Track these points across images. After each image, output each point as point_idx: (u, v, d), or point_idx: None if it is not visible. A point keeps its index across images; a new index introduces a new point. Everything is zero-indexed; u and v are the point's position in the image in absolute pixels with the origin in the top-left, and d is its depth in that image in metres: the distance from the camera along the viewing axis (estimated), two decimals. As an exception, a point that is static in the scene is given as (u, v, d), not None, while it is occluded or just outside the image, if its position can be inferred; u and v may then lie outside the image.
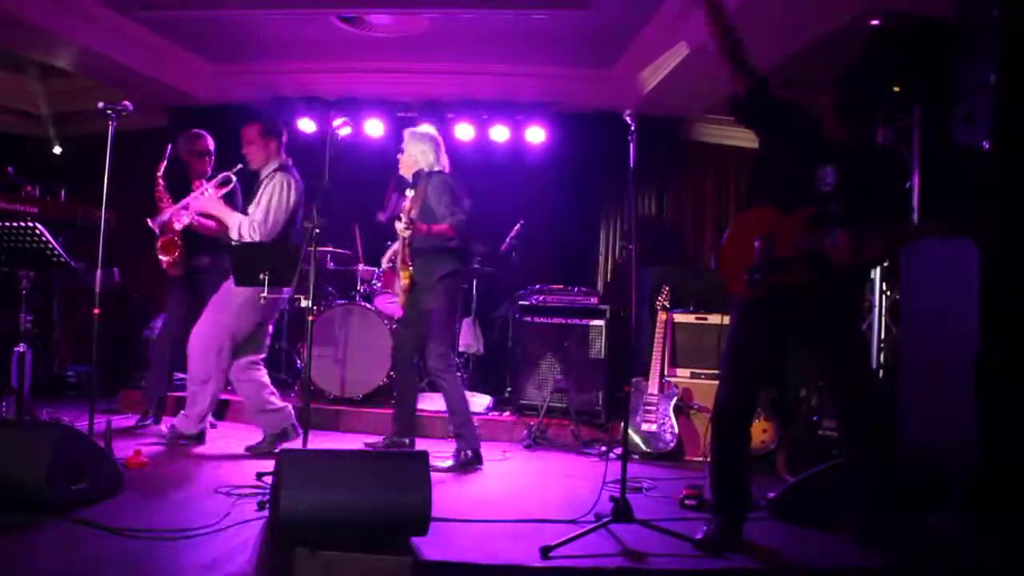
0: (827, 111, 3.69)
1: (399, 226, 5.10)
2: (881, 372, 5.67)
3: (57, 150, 5.71)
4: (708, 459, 3.92)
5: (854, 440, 3.76)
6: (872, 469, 3.64)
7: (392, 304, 5.79)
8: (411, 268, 5.20)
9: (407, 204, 5.29)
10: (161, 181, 5.39)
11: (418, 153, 5.33)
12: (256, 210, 5.18)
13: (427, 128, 5.55)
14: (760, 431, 5.49)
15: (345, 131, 5.20)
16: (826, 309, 3.61)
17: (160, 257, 5.33)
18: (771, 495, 4.22)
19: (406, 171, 5.42)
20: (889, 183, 3.75)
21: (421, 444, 5.45)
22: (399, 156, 5.43)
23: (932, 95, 5.41)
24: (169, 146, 5.48)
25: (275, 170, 5.27)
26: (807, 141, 3.69)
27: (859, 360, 3.78)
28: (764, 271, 3.56)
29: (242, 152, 5.42)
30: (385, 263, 5.65)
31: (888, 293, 5.75)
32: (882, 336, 5.74)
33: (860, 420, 3.64)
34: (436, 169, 5.32)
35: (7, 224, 4.60)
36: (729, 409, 3.76)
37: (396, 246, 5.57)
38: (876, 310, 5.74)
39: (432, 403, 6.40)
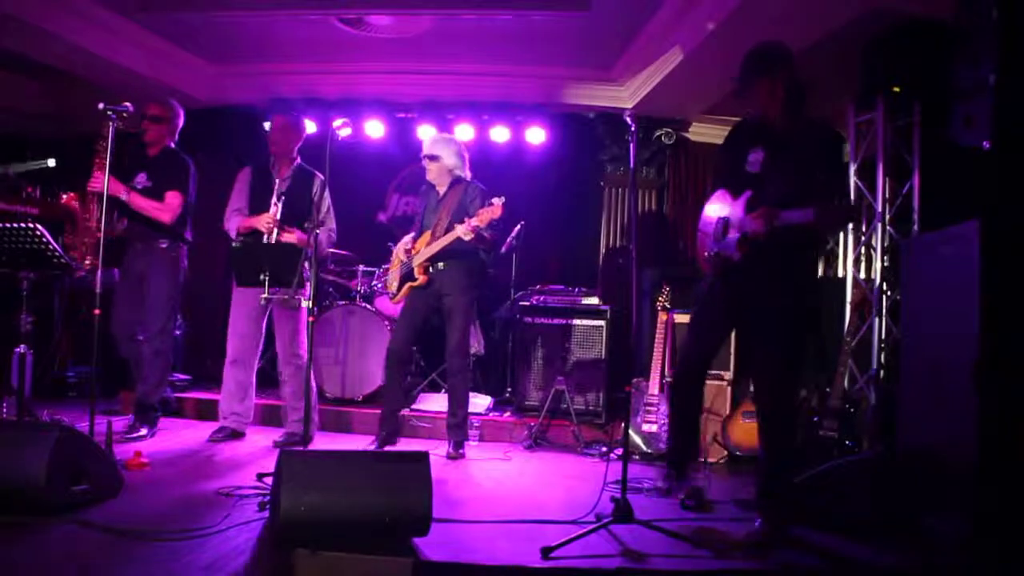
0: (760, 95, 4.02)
1: (463, 229, 5.05)
2: (881, 373, 5.67)
3: (51, 162, 5.72)
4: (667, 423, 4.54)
5: (760, 423, 4.06)
6: (770, 449, 4.00)
7: (395, 305, 5.78)
8: (431, 269, 5.35)
9: (444, 210, 5.43)
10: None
11: (453, 159, 5.51)
12: (329, 219, 5.57)
13: (451, 135, 5.79)
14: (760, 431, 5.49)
15: (345, 132, 5.18)
16: (758, 289, 3.91)
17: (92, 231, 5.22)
18: (771, 495, 4.22)
19: (438, 178, 5.54)
20: (812, 163, 3.89)
21: (422, 444, 5.46)
22: (426, 162, 5.53)
23: (931, 96, 5.42)
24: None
25: (312, 173, 5.54)
26: (743, 128, 4.17)
27: (778, 350, 3.94)
28: (716, 250, 4.02)
29: (271, 138, 5.67)
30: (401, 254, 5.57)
31: (888, 293, 5.75)
32: (882, 336, 5.74)
33: (764, 405, 4.03)
34: (467, 177, 5.56)
35: (8, 225, 4.60)
36: (686, 371, 4.25)
37: (407, 240, 5.63)
38: (876, 311, 5.74)
39: (433, 403, 6.42)
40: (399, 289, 5.54)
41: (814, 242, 4.19)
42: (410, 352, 5.53)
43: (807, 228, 3.75)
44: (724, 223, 4.02)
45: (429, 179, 5.61)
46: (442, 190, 5.57)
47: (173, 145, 5.57)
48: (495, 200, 4.99)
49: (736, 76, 4.06)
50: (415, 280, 5.41)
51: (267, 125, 8.12)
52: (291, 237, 5.27)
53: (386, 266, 6.18)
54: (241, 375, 5.65)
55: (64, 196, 5.22)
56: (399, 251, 5.64)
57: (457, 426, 5.48)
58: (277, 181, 5.61)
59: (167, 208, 5.32)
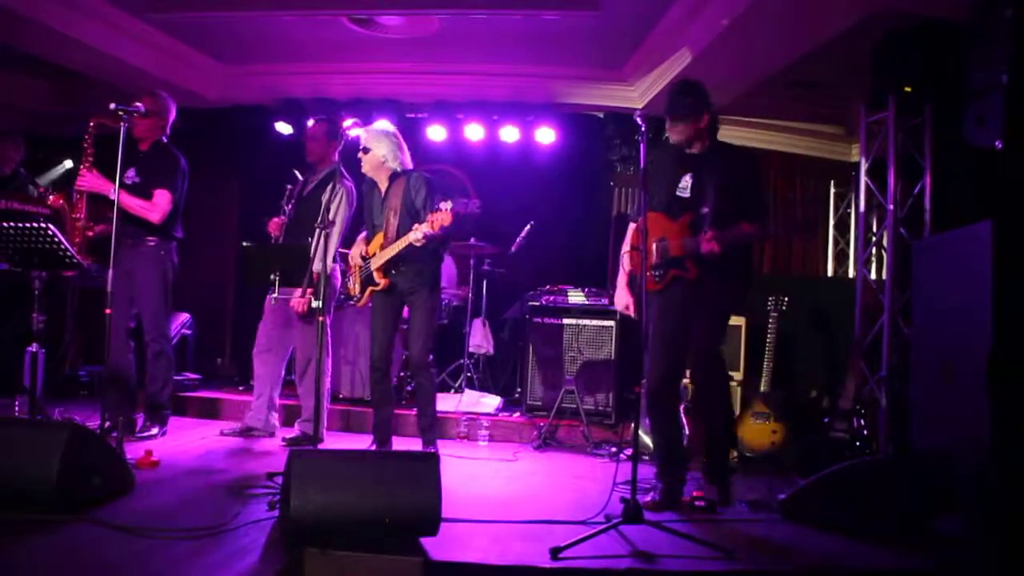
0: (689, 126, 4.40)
1: (415, 236, 4.88)
2: (892, 373, 5.64)
3: (68, 163, 5.73)
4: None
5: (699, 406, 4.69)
6: (712, 432, 4.55)
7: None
8: (391, 272, 5.16)
9: (390, 210, 5.21)
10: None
11: (387, 151, 5.26)
12: (335, 229, 5.50)
13: (385, 124, 5.49)
14: (770, 432, 5.47)
15: (355, 132, 5.21)
16: (709, 295, 4.36)
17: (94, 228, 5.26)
18: (781, 496, 4.21)
19: (374, 172, 5.31)
20: (735, 183, 4.34)
21: (414, 443, 5.44)
22: (360, 155, 5.27)
23: (943, 96, 5.40)
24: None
25: (339, 178, 5.38)
26: (673, 154, 4.53)
27: (712, 340, 4.45)
28: (663, 267, 4.41)
29: (307, 144, 5.74)
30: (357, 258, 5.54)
31: (899, 294, 5.73)
32: (893, 337, 5.71)
33: (703, 393, 4.62)
34: (407, 167, 5.32)
35: (20, 225, 4.61)
36: (658, 387, 4.46)
37: (355, 250, 5.48)
38: (887, 310, 5.71)
39: (442, 403, 6.42)
40: (362, 292, 5.36)
41: (748, 249, 4.56)
42: (391, 358, 5.37)
43: (748, 241, 4.38)
44: (665, 244, 4.42)
45: (365, 172, 5.36)
46: (384, 186, 5.32)
47: (165, 139, 5.50)
48: (442, 205, 4.80)
49: (667, 108, 4.42)
50: (376, 284, 5.21)
51: (278, 124, 8.18)
52: (411, 237, 4.94)
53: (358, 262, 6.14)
54: (259, 368, 5.78)
55: (51, 198, 5.21)
56: (354, 254, 5.47)
57: (429, 427, 5.27)
58: (302, 185, 5.75)
59: (155, 207, 5.25)
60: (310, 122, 5.02)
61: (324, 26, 6.90)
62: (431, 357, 5.34)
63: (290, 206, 5.72)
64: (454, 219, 4.78)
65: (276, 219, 5.72)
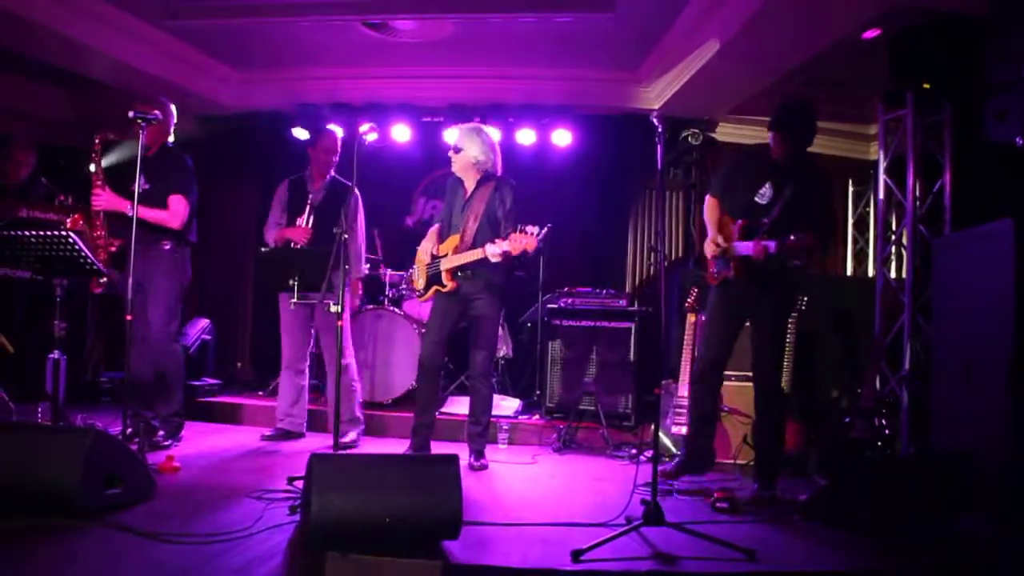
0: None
1: (493, 251, 4.85)
2: (914, 373, 5.61)
3: (92, 168, 5.77)
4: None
5: (758, 409, 4.74)
6: (766, 435, 4.64)
7: (423, 306, 5.77)
8: (459, 275, 5.15)
9: (471, 214, 5.17)
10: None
11: (480, 153, 5.23)
12: (358, 238, 5.81)
13: (480, 126, 5.45)
14: (792, 433, 5.45)
15: (371, 137, 5.23)
16: (759, 300, 4.63)
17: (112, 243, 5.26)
18: (802, 497, 4.19)
19: (463, 172, 5.28)
20: (812, 199, 4.53)
21: (453, 448, 5.44)
22: (451, 154, 5.28)
23: (963, 92, 5.36)
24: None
25: (347, 187, 5.35)
26: (755, 161, 4.74)
27: (771, 348, 4.64)
28: (718, 266, 4.74)
29: (326, 158, 5.83)
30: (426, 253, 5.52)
31: (920, 293, 5.68)
32: (914, 336, 5.67)
33: (761, 396, 4.67)
34: (498, 173, 5.31)
35: (42, 233, 4.65)
36: (705, 370, 4.82)
37: (431, 235, 5.45)
38: (907, 309, 5.67)
39: (463, 406, 6.42)
40: (426, 289, 5.34)
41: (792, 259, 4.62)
42: (442, 361, 5.38)
43: (799, 252, 4.38)
44: (721, 244, 4.69)
45: (454, 171, 5.35)
46: (469, 187, 5.27)
47: (171, 143, 5.49)
48: (529, 228, 4.73)
49: (777, 122, 4.57)
50: (443, 285, 5.17)
51: (295, 130, 8.20)
52: (489, 251, 4.91)
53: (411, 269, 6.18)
54: (295, 379, 5.83)
55: (69, 220, 5.22)
56: (424, 249, 5.42)
57: (480, 434, 5.29)
58: (311, 194, 5.77)
59: (174, 215, 5.25)
60: (338, 131, 5.04)
61: (339, 32, 6.92)
62: (493, 366, 5.35)
63: (311, 217, 5.76)
64: (538, 247, 4.78)
65: (301, 228, 5.73)
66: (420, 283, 5.40)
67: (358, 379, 5.97)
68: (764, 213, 4.53)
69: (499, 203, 5.15)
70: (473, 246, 5.06)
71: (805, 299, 5.60)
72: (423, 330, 6.50)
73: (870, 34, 5.55)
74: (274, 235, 5.84)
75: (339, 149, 5.92)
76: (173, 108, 5.51)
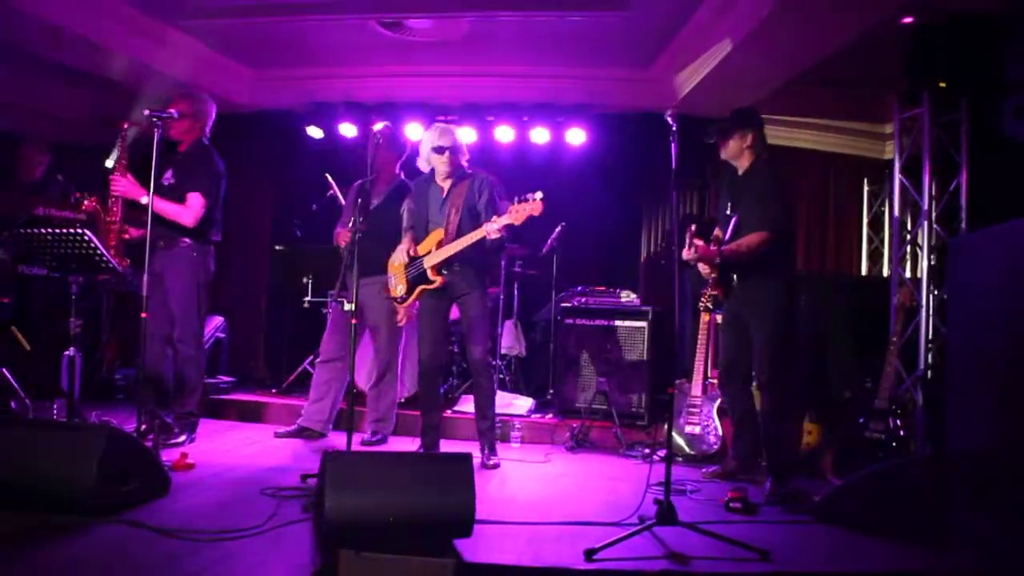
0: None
1: (491, 227, 4.82)
2: (929, 373, 5.58)
3: (109, 163, 5.78)
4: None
5: (760, 409, 4.87)
6: (768, 434, 4.76)
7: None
8: (445, 271, 5.13)
9: (452, 208, 5.16)
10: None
11: (462, 151, 5.27)
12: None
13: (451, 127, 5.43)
14: (805, 433, 5.43)
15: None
16: (749, 303, 4.83)
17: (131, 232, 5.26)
18: (816, 498, 4.18)
19: (448, 170, 5.23)
20: (753, 199, 4.77)
21: (466, 447, 5.45)
22: (434, 156, 5.20)
23: (979, 90, 5.33)
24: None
25: (408, 191, 5.53)
26: (728, 178, 5.06)
27: (762, 349, 4.74)
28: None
29: (370, 154, 5.52)
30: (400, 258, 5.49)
31: (935, 293, 5.66)
32: (929, 337, 5.65)
33: (761, 395, 4.82)
34: (468, 169, 5.32)
35: (57, 231, 4.67)
36: (724, 369, 5.06)
37: (401, 249, 5.34)
38: (923, 310, 5.65)
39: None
40: (409, 292, 5.27)
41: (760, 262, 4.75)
42: (442, 360, 5.39)
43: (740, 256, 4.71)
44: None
45: (438, 170, 5.25)
46: (446, 185, 5.24)
47: (206, 141, 5.44)
48: (531, 195, 4.69)
49: (718, 128, 4.93)
50: (430, 283, 5.13)
51: (309, 129, 8.23)
52: (487, 228, 4.88)
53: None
54: (324, 375, 5.84)
55: (85, 202, 5.22)
56: (399, 254, 5.32)
57: (489, 429, 5.26)
58: (373, 197, 5.74)
59: (188, 211, 5.17)
60: (379, 127, 5.08)
61: (353, 31, 6.94)
62: (492, 359, 5.35)
63: (361, 220, 5.70)
64: (543, 207, 4.72)
65: (343, 232, 5.71)
66: (399, 290, 5.32)
67: (400, 380, 6.02)
68: (728, 222, 4.91)
69: (477, 195, 5.16)
70: (458, 237, 5.04)
71: (803, 299, 5.59)
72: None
73: (906, 20, 5.50)
74: (336, 236, 5.90)
75: (388, 150, 5.80)
76: (212, 106, 5.47)
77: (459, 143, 5.25)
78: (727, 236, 4.87)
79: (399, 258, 5.32)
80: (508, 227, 4.82)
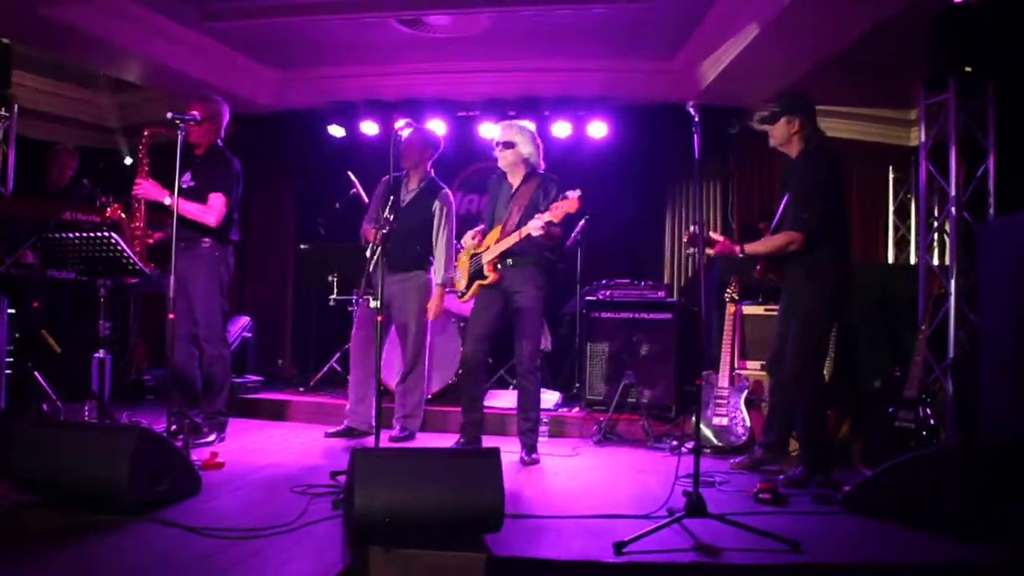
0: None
1: (535, 224, 4.83)
2: (958, 362, 5.52)
3: (128, 160, 5.84)
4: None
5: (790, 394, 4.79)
6: (800, 423, 4.72)
7: (462, 303, 5.74)
8: (500, 266, 5.14)
9: (516, 205, 5.16)
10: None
11: (530, 148, 5.24)
12: (441, 242, 5.76)
13: (529, 123, 5.43)
14: (836, 422, 5.41)
15: (407, 132, 5.23)
16: (793, 296, 4.81)
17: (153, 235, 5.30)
18: (847, 488, 4.15)
19: (512, 167, 5.26)
20: (794, 192, 4.70)
21: (495, 441, 5.45)
22: (500, 149, 5.23)
23: (1006, 75, 5.27)
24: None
25: (442, 191, 5.64)
26: (787, 162, 4.87)
27: (795, 339, 4.67)
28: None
29: (402, 153, 5.74)
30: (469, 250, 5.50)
31: (963, 279, 5.59)
32: (958, 324, 5.58)
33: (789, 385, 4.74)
34: (541, 169, 5.31)
35: (85, 234, 4.72)
36: (768, 362, 5.05)
37: (472, 234, 5.44)
38: (951, 297, 5.59)
39: (501, 400, 6.44)
40: (468, 287, 5.33)
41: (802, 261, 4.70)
42: (486, 359, 5.38)
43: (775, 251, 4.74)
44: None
45: (502, 167, 5.31)
46: (515, 182, 5.26)
47: (220, 143, 5.48)
48: (570, 193, 4.72)
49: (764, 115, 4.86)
50: (485, 278, 5.15)
51: (331, 127, 8.25)
52: (531, 226, 4.89)
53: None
54: (359, 373, 5.83)
55: (108, 208, 5.27)
56: (466, 247, 5.44)
57: (531, 430, 5.25)
58: (404, 193, 5.77)
59: (211, 210, 5.22)
60: (405, 131, 5.10)
61: (373, 29, 6.95)
62: (540, 360, 5.34)
63: (392, 217, 5.70)
64: (580, 204, 4.72)
65: (370, 229, 5.70)
66: (462, 283, 5.40)
67: (427, 375, 6.04)
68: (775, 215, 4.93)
69: (542, 195, 5.10)
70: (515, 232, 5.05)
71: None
72: (462, 324, 6.51)
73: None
74: (363, 232, 5.89)
75: (419, 145, 5.81)
76: (226, 108, 5.51)
77: (524, 140, 5.23)
78: (773, 224, 4.88)
79: (465, 252, 5.44)
80: (550, 224, 4.81)
